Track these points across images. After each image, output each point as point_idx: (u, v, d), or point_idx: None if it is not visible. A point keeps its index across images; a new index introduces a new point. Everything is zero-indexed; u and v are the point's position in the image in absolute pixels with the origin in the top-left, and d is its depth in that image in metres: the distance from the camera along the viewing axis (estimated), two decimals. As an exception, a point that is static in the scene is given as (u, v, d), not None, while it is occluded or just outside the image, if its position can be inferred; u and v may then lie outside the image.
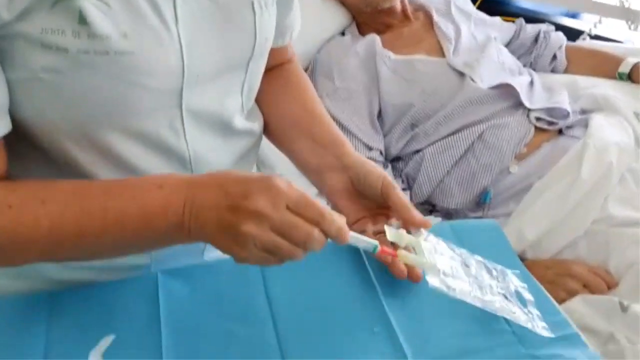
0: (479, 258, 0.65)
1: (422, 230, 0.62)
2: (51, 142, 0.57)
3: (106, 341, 0.57)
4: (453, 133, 1.16)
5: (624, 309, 0.84)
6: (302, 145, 0.77)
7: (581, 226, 1.01)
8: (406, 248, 0.61)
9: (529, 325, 0.59)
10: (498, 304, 0.59)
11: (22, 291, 0.65)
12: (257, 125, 0.76)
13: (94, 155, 0.58)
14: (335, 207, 0.71)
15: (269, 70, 0.75)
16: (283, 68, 0.81)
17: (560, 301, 0.89)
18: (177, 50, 0.55)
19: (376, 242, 0.57)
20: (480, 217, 1.12)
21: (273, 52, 0.73)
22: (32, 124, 0.55)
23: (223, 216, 0.51)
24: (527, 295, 0.64)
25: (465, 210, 1.16)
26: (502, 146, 1.13)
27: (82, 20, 0.48)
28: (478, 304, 0.58)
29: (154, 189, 0.53)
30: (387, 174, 0.72)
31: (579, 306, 0.89)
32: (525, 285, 0.66)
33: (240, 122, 0.70)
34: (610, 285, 0.95)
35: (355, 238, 0.56)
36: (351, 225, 0.61)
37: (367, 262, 0.68)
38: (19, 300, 0.62)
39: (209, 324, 0.60)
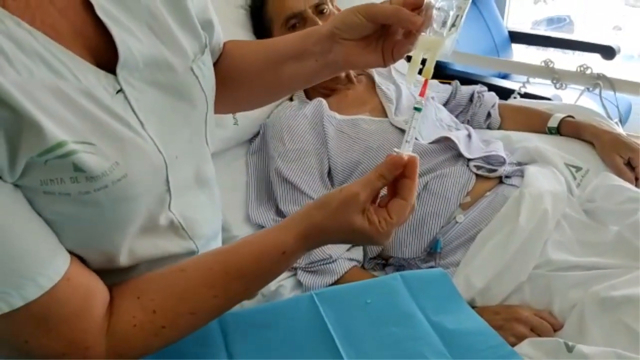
0: None
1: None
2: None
3: None
4: (400, 186, 1.20)
5: (569, 349, 0.86)
6: (283, 68, 0.79)
7: (524, 271, 1.04)
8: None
9: None
10: None
11: None
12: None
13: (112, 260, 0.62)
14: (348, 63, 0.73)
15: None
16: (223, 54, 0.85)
17: (510, 345, 0.91)
18: (154, 149, 0.59)
19: None
20: (432, 267, 1.14)
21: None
22: None
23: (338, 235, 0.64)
24: None
25: (418, 262, 1.18)
26: (447, 193, 1.17)
27: (77, 168, 0.51)
28: None
29: (279, 256, 0.64)
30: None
31: (528, 349, 0.91)
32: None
33: (210, 170, 0.75)
34: (556, 327, 0.97)
35: None
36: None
37: (325, 317, 0.70)
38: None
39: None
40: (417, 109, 0.67)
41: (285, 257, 0.63)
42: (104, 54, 0.56)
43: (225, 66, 0.83)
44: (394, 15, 0.66)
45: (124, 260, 0.62)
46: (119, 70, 0.56)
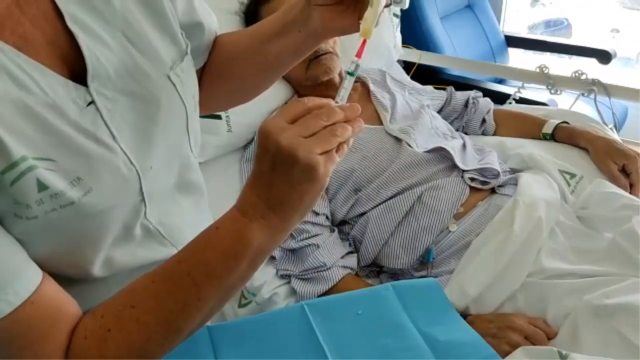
0: None
1: None
2: None
3: None
4: (394, 195, 1.20)
5: (563, 357, 0.86)
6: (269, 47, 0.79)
7: (518, 279, 1.03)
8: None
9: None
10: None
11: None
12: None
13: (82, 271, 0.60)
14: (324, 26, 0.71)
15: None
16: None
17: (504, 354, 0.91)
18: (124, 161, 0.58)
19: None
20: (425, 276, 1.14)
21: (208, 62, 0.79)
22: None
23: (266, 170, 0.55)
24: None
25: (411, 270, 1.18)
26: (440, 208, 1.17)
27: (42, 187, 0.50)
28: None
29: (213, 231, 0.58)
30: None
31: (522, 358, 0.90)
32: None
33: (195, 175, 0.73)
34: (550, 336, 0.97)
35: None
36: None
37: (315, 328, 0.70)
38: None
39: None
40: (350, 74, 0.63)
41: (221, 234, 0.58)
42: (77, 64, 0.55)
43: (217, 57, 0.83)
44: None
45: (98, 271, 0.60)
46: (89, 81, 0.55)
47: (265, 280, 1.20)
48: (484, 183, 1.23)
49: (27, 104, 0.51)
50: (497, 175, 1.24)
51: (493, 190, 1.24)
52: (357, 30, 0.68)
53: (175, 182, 0.69)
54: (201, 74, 0.83)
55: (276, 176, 0.54)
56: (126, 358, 0.55)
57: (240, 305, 1.22)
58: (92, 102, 0.55)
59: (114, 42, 0.58)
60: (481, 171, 1.25)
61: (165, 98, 0.63)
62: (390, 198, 1.20)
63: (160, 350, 0.57)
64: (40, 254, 0.55)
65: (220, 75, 0.82)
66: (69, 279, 0.60)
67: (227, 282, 0.57)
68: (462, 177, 1.23)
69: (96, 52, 0.56)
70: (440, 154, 1.25)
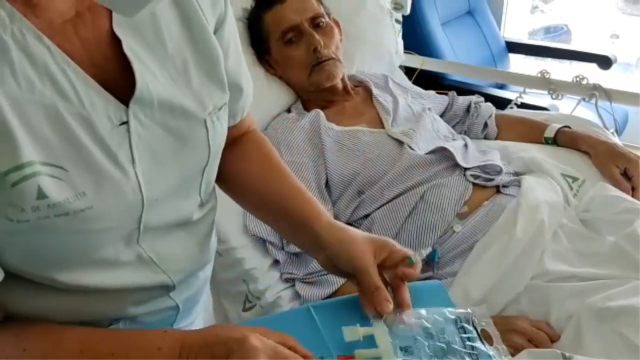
0: (443, 314, 0.70)
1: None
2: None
3: None
4: (397, 196, 1.21)
5: (566, 359, 0.87)
6: (281, 226, 0.83)
7: (521, 282, 1.04)
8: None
9: None
10: None
11: None
12: (213, 202, 0.78)
13: (63, 285, 0.61)
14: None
15: (229, 144, 0.79)
16: (242, 139, 0.85)
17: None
18: (135, 188, 0.58)
19: None
20: (430, 277, 1.14)
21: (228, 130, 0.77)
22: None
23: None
24: (493, 330, 0.70)
25: (415, 272, 1.19)
26: (443, 205, 1.17)
27: (41, 195, 0.50)
28: None
29: (154, 350, 0.60)
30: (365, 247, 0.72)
31: (525, 360, 0.92)
32: (490, 320, 0.71)
33: (198, 214, 0.73)
34: (553, 338, 0.98)
35: None
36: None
37: (321, 329, 0.71)
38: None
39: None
40: None
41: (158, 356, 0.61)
42: (119, 90, 0.56)
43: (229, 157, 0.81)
44: (369, 293, 0.69)
45: (70, 280, 0.60)
46: (131, 103, 0.56)
47: (269, 284, 1.20)
48: (487, 180, 1.24)
49: (58, 109, 0.51)
50: (499, 171, 1.24)
51: (498, 191, 1.24)
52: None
53: (175, 219, 0.68)
54: None
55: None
56: None
57: (245, 309, 1.23)
58: (125, 123, 0.56)
59: (162, 76, 0.59)
60: (483, 168, 1.25)
61: (194, 139, 0.64)
62: (394, 198, 1.21)
63: None
64: (14, 255, 0.55)
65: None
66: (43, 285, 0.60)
67: None
68: (465, 175, 1.23)
69: (147, 80, 0.57)
70: (442, 154, 1.26)
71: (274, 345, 0.60)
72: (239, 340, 0.59)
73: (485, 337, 0.70)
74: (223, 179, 0.79)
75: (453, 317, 0.71)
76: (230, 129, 0.75)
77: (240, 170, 0.82)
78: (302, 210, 0.78)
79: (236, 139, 0.83)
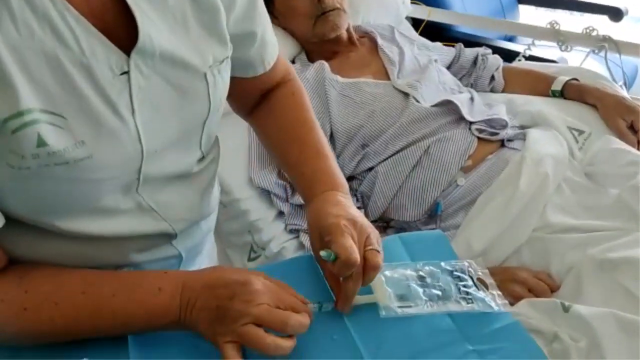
0: (438, 265, 0.72)
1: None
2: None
3: None
4: (401, 149, 1.21)
5: (565, 309, 0.87)
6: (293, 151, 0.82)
7: (523, 235, 1.05)
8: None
9: (491, 307, 0.67)
10: (452, 307, 0.66)
11: None
12: (215, 152, 0.79)
13: (65, 232, 0.62)
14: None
15: (262, 99, 0.83)
16: (272, 96, 0.85)
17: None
18: (134, 138, 0.58)
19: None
20: (433, 229, 1.16)
21: (248, 83, 0.78)
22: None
23: (212, 315, 0.59)
24: (489, 279, 0.71)
25: (419, 224, 1.19)
26: (448, 159, 1.17)
27: (41, 143, 0.50)
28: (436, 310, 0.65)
29: (155, 291, 0.61)
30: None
31: (525, 309, 0.92)
32: (486, 271, 0.72)
33: (199, 166, 0.73)
34: (553, 289, 0.99)
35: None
36: None
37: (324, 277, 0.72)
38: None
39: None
40: None
41: (162, 300, 0.61)
42: (120, 40, 0.55)
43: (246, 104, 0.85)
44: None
45: (65, 226, 0.61)
46: (133, 53, 0.55)
47: (274, 234, 1.22)
48: (492, 134, 1.23)
49: (59, 57, 0.51)
50: (505, 125, 1.24)
51: (502, 144, 1.23)
52: None
53: (174, 171, 0.69)
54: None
55: (231, 304, 0.59)
56: (21, 337, 0.60)
57: (250, 259, 1.25)
58: (126, 72, 0.55)
59: (164, 29, 0.58)
60: (489, 122, 1.25)
61: (194, 92, 0.63)
62: (398, 152, 1.21)
63: (35, 341, 0.62)
64: (17, 202, 0.56)
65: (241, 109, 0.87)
66: (46, 231, 0.61)
67: (134, 331, 0.63)
68: (470, 129, 1.23)
69: (149, 31, 0.56)
70: (448, 107, 1.25)
71: (276, 289, 0.62)
72: (243, 283, 0.60)
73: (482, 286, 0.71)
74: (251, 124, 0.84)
75: (449, 268, 0.72)
76: (256, 79, 0.75)
77: (265, 132, 0.85)
78: (314, 184, 0.77)
79: (269, 92, 0.84)
